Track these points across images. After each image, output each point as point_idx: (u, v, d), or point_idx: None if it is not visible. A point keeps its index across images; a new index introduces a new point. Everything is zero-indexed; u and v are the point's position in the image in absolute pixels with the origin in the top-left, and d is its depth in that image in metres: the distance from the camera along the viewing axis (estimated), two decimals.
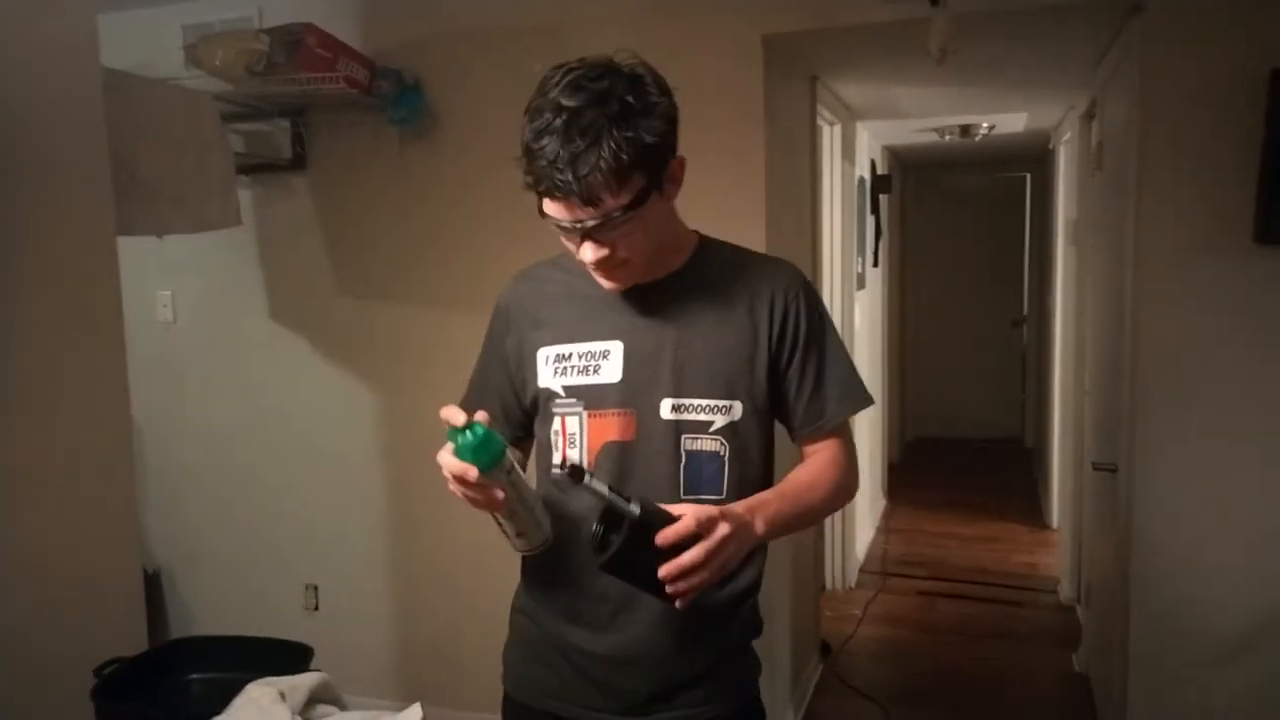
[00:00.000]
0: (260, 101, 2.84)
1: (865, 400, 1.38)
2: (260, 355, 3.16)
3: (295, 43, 2.53)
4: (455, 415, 1.13)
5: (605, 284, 1.29)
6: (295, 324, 3.12)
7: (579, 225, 1.18)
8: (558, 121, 1.13)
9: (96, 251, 1.93)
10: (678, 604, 1.14)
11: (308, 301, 3.09)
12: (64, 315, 1.84)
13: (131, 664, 1.47)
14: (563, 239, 1.25)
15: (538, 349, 1.35)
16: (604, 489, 1.13)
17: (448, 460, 1.14)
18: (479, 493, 1.15)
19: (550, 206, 1.19)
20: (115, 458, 1.96)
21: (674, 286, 1.32)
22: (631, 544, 1.11)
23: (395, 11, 2.87)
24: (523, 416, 1.41)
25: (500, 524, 1.25)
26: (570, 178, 1.13)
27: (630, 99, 1.15)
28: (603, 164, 1.12)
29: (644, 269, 1.29)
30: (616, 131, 1.13)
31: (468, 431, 1.12)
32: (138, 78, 2.43)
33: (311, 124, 2.95)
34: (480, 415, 1.14)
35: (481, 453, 1.12)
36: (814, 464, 1.36)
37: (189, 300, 3.24)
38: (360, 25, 2.83)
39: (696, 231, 1.39)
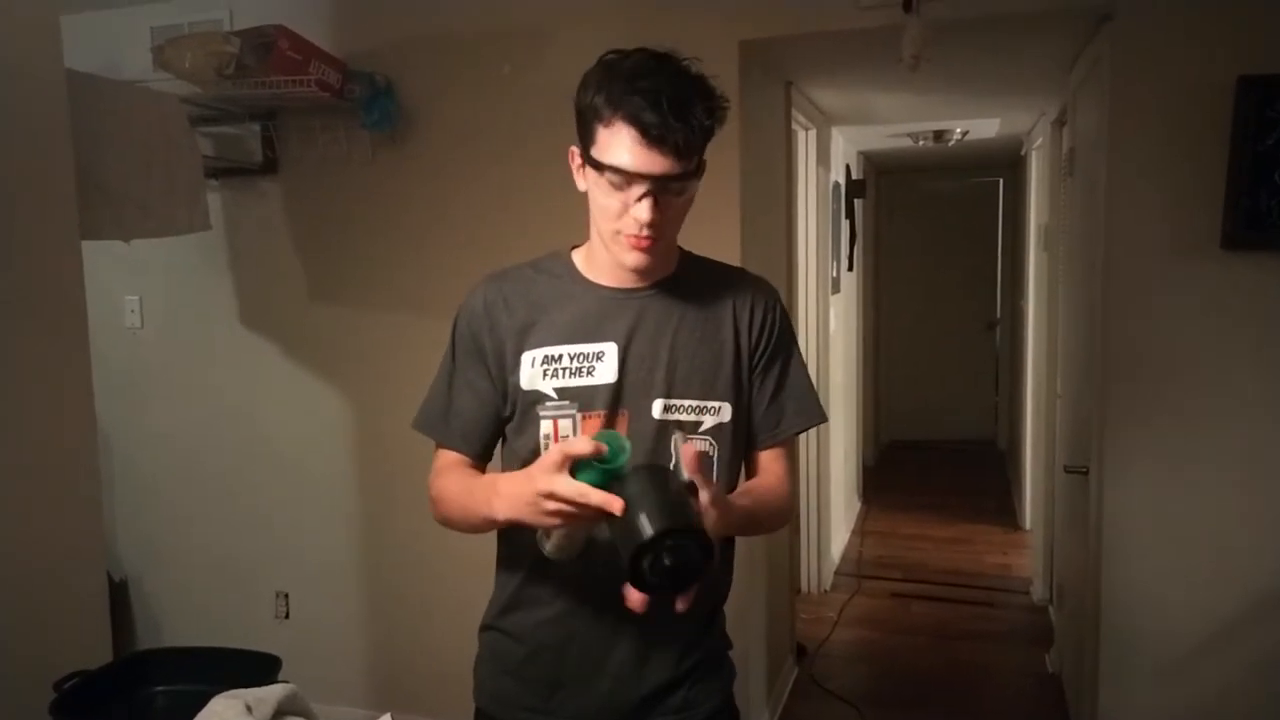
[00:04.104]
0: (230, 104, 2.80)
1: (820, 417, 1.41)
2: (230, 361, 3.12)
3: (266, 45, 2.50)
4: (581, 445, 1.07)
5: (630, 260, 1.25)
6: (265, 330, 3.08)
7: (655, 176, 1.17)
8: (659, 67, 1.16)
9: (60, 256, 1.89)
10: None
11: (278, 307, 3.06)
12: (26, 320, 1.80)
13: (93, 677, 1.43)
14: (605, 200, 1.21)
15: (523, 351, 1.30)
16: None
17: (593, 494, 1.05)
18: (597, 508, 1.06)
19: (628, 152, 1.16)
20: (79, 463, 1.92)
21: (665, 290, 1.32)
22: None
23: (367, 14, 2.85)
24: (500, 425, 1.35)
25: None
26: (676, 122, 1.14)
27: (705, 83, 1.20)
28: (701, 119, 1.17)
29: (661, 259, 1.29)
30: (704, 97, 1.18)
31: (614, 452, 1.07)
32: (104, 80, 2.39)
33: (282, 127, 2.92)
34: (591, 433, 1.14)
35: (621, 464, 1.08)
36: (765, 479, 1.37)
37: (157, 306, 3.20)
38: (332, 27, 2.81)
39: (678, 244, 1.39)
